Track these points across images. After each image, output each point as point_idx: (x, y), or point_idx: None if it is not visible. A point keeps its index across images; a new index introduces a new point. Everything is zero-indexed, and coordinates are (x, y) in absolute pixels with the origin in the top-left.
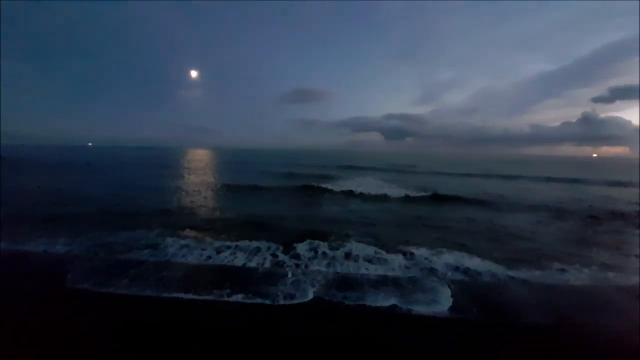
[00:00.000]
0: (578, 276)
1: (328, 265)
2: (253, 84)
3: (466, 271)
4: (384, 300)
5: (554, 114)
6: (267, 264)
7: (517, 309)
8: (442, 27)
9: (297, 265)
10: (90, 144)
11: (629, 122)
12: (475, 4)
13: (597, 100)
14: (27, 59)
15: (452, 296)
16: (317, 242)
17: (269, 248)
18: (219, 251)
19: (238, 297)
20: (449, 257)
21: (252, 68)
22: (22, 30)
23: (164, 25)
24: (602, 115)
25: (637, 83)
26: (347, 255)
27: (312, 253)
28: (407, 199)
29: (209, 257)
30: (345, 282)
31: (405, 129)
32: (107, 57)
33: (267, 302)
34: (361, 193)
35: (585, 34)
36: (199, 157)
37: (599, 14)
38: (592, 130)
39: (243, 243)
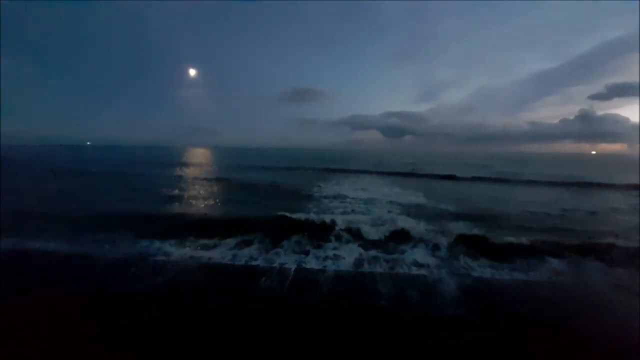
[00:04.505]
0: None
1: (326, 264)
2: (253, 84)
3: (469, 271)
4: (386, 299)
5: (552, 111)
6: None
7: (520, 308)
8: (441, 27)
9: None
10: (88, 143)
11: (627, 119)
12: (474, 4)
13: (595, 97)
14: (27, 59)
15: (455, 296)
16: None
17: (259, 250)
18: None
19: (238, 297)
20: (451, 256)
21: (251, 68)
22: (22, 30)
23: (164, 25)
24: (600, 112)
25: (635, 80)
26: (345, 255)
27: (305, 254)
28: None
29: (210, 258)
30: (346, 282)
31: (404, 127)
32: (107, 57)
33: (267, 302)
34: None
35: (582, 33)
36: (186, 159)
37: (597, 13)
38: (590, 127)
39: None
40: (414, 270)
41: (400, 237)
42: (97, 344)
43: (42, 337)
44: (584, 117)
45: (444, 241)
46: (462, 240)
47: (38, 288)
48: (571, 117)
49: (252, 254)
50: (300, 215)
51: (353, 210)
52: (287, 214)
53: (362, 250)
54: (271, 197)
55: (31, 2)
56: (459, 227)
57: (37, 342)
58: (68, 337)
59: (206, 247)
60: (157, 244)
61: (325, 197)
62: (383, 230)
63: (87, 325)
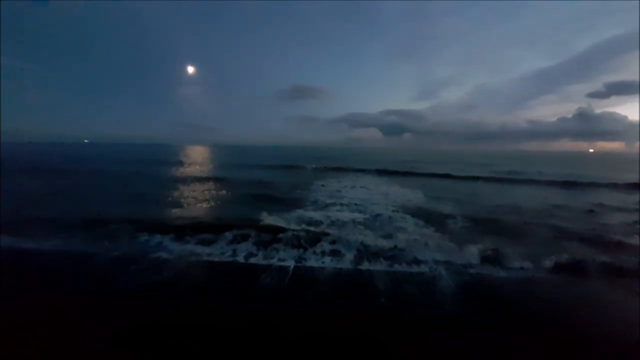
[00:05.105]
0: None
1: (324, 262)
2: (252, 82)
3: (469, 269)
4: (386, 297)
5: (551, 109)
6: (261, 261)
7: (520, 307)
8: (440, 26)
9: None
10: (86, 141)
11: (625, 117)
12: (473, 4)
13: (593, 95)
14: (28, 58)
15: (454, 295)
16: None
17: (255, 244)
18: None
19: (238, 297)
20: (450, 253)
21: (250, 66)
22: (22, 29)
23: (164, 24)
24: (598, 110)
25: (633, 79)
26: (344, 252)
27: (303, 251)
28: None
29: (209, 254)
30: (345, 279)
31: (403, 125)
32: (108, 56)
33: (267, 301)
34: (357, 228)
35: (581, 31)
36: (184, 157)
37: (596, 11)
38: (588, 125)
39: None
40: (414, 268)
41: (399, 234)
42: (97, 344)
43: (42, 337)
44: (582, 116)
45: (442, 238)
46: (461, 237)
47: (37, 288)
48: (569, 116)
49: (250, 251)
50: (298, 213)
51: (350, 208)
52: (285, 214)
53: (360, 247)
54: (270, 196)
55: (31, 2)
56: (457, 224)
57: (37, 342)
58: (68, 337)
59: (204, 244)
60: (156, 240)
61: (324, 194)
62: (381, 228)
63: (87, 325)
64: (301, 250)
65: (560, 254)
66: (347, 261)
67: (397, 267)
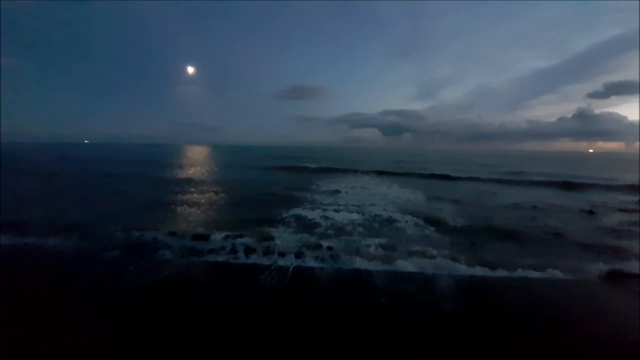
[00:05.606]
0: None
1: (324, 261)
2: (252, 81)
3: (469, 269)
4: (386, 297)
5: (550, 109)
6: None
7: (520, 307)
8: (439, 25)
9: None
10: (86, 141)
11: (625, 118)
12: (473, 4)
13: (592, 95)
14: (28, 57)
15: (454, 295)
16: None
17: (255, 244)
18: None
19: (238, 297)
20: (451, 253)
21: (250, 65)
22: (22, 29)
23: (164, 24)
24: (598, 110)
25: (633, 78)
26: (343, 252)
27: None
28: None
29: (211, 253)
30: (344, 279)
31: (402, 125)
32: (108, 56)
33: (267, 301)
34: (355, 228)
35: (581, 31)
36: (184, 158)
37: (595, 11)
38: (587, 125)
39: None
40: (413, 268)
41: (399, 235)
42: (97, 343)
43: (42, 337)
44: (582, 116)
45: (442, 239)
46: (461, 238)
47: (35, 287)
48: (569, 116)
49: (249, 249)
50: (297, 213)
51: (349, 209)
52: (284, 214)
53: (359, 247)
54: (270, 196)
55: (31, 1)
56: (457, 225)
57: (37, 342)
58: (68, 336)
59: (202, 246)
60: (155, 240)
61: (323, 195)
62: (380, 228)
63: (86, 324)
64: (300, 250)
65: (559, 255)
66: (346, 261)
67: (396, 267)
